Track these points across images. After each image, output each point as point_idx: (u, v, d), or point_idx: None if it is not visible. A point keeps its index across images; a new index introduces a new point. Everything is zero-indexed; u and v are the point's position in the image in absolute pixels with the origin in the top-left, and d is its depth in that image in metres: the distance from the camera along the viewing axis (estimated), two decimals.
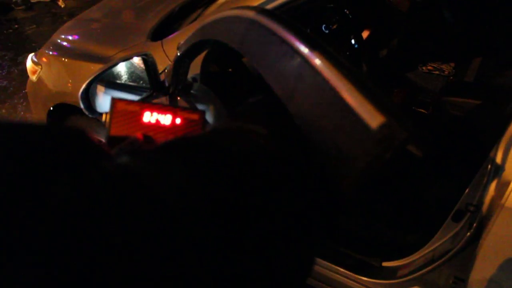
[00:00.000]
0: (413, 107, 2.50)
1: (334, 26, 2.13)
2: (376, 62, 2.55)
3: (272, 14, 0.73)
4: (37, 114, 2.73)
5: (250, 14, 0.77)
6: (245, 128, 0.53)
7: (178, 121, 0.80)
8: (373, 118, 0.46)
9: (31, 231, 0.24)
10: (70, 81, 2.35)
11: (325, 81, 0.53)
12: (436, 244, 1.53)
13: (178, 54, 1.33)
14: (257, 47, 0.72)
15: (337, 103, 0.50)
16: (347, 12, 2.28)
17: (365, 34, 2.45)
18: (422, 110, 2.47)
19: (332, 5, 2.17)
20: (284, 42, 0.63)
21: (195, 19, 2.17)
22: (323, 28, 2.08)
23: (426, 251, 1.57)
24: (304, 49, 0.59)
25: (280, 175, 0.47)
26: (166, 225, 0.31)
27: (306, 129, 0.55)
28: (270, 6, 1.58)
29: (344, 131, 0.50)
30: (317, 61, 0.56)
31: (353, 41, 2.23)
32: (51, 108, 2.50)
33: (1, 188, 0.25)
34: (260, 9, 0.77)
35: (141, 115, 0.79)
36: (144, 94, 1.49)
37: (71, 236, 0.25)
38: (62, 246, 0.25)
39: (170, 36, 1.94)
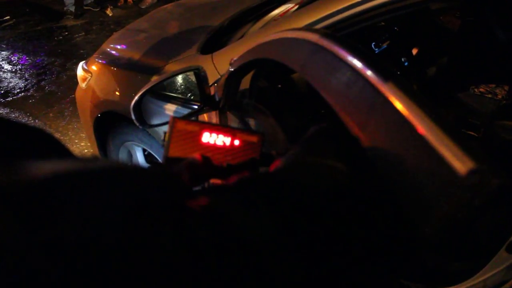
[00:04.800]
0: (463, 130, 2.43)
1: (384, 44, 2.10)
2: (425, 81, 2.49)
3: (337, 38, 0.71)
4: (84, 120, 2.79)
5: (313, 37, 0.75)
6: (323, 164, 0.51)
7: (236, 142, 0.79)
8: (461, 162, 0.43)
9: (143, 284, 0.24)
10: (118, 90, 2.40)
11: (402, 116, 0.51)
12: (488, 275, 1.46)
13: (231, 69, 1.33)
14: (322, 72, 0.71)
15: (417, 142, 0.48)
16: (397, 30, 2.25)
17: (414, 52, 2.41)
18: (472, 133, 2.40)
19: (382, 23, 2.14)
20: (354, 70, 0.61)
21: (244, 35, 2.18)
22: (372, 46, 2.06)
23: (476, 281, 1.51)
24: (377, 79, 0.57)
25: (359, 213, 0.46)
26: (256, 265, 0.31)
27: (381, 165, 0.53)
28: (321, 26, 1.57)
29: (425, 172, 0.47)
30: (392, 93, 0.54)
31: (403, 59, 2.19)
32: (98, 115, 2.56)
33: (113, 245, 0.25)
34: (323, 32, 0.75)
35: (200, 135, 0.79)
36: (194, 108, 1.50)
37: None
38: None
39: (220, 50, 1.95)
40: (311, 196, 0.42)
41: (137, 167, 0.33)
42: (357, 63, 0.59)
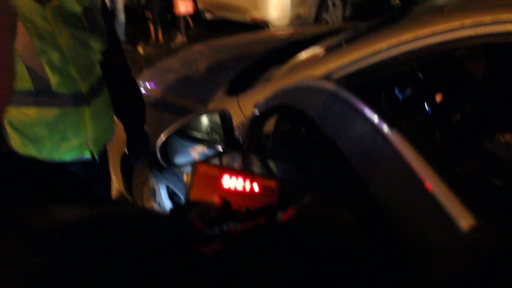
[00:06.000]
0: (487, 179, 2.39)
1: (408, 91, 2.12)
2: (449, 128, 2.49)
3: (353, 88, 0.74)
4: (111, 156, 2.86)
5: (330, 86, 0.78)
6: (332, 214, 0.54)
7: (256, 188, 0.82)
8: (463, 218, 0.44)
9: None
10: (146, 127, 2.46)
11: (410, 169, 0.53)
12: None
13: (255, 113, 1.37)
14: (337, 120, 0.73)
15: (423, 194, 0.49)
16: (421, 76, 2.27)
17: (438, 98, 2.41)
18: (498, 182, 2.36)
19: (406, 70, 2.17)
20: (367, 120, 0.64)
21: (270, 77, 2.23)
22: (396, 92, 2.08)
23: None
24: (388, 131, 0.59)
25: (363, 261, 0.47)
26: None
27: (389, 215, 0.54)
28: (346, 71, 1.60)
29: (430, 224, 0.48)
30: (401, 146, 0.56)
31: (426, 106, 2.20)
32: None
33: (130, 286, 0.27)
34: (340, 82, 0.78)
35: (220, 179, 0.82)
36: (218, 150, 1.53)
37: None
38: None
39: (246, 93, 2.00)
40: (318, 246, 0.45)
41: (157, 214, 0.36)
42: (369, 114, 0.61)
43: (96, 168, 1.76)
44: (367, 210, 0.57)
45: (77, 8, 1.46)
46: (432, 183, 0.49)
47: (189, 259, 0.32)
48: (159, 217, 0.36)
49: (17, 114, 1.44)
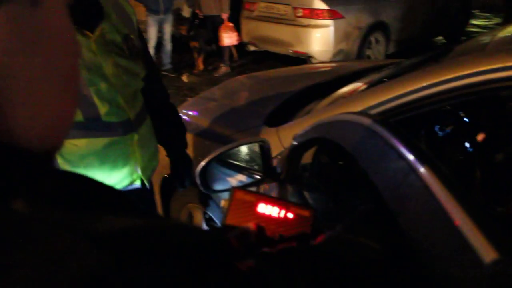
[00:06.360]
0: None
1: (448, 128, 2.11)
2: (492, 167, 2.44)
3: (389, 125, 0.76)
4: (155, 179, 2.94)
5: (367, 121, 0.81)
6: (359, 242, 0.56)
7: (290, 216, 0.85)
8: (486, 252, 0.46)
9: None
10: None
11: (439, 206, 0.54)
12: None
13: (294, 143, 1.40)
14: (371, 155, 0.76)
15: (450, 230, 0.51)
16: (462, 115, 2.25)
17: (480, 137, 2.38)
18: None
19: (448, 108, 2.16)
20: (401, 158, 0.66)
21: (310, 111, 2.27)
22: (436, 130, 2.07)
23: None
24: (421, 169, 0.61)
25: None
26: None
27: (414, 246, 0.56)
28: (386, 107, 1.62)
29: (454, 258, 0.50)
30: (433, 184, 0.58)
31: (467, 145, 2.18)
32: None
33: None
34: (377, 119, 0.81)
35: (256, 205, 0.86)
36: (256, 178, 1.57)
37: None
38: None
39: (286, 125, 2.04)
40: (343, 269, 0.47)
41: (197, 228, 0.40)
42: (402, 150, 0.64)
43: (145, 195, 1.77)
44: (395, 242, 0.59)
45: (117, 37, 1.49)
46: (458, 218, 0.51)
47: (226, 271, 0.35)
48: (201, 231, 0.39)
49: (67, 145, 1.45)
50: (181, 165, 2.01)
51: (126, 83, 1.52)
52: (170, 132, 1.94)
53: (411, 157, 0.64)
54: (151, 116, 1.76)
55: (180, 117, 2.02)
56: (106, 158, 1.52)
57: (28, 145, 0.36)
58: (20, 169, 0.34)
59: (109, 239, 0.30)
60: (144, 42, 1.71)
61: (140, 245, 0.32)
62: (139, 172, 1.64)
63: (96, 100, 1.43)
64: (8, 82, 0.33)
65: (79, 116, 1.40)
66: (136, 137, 1.58)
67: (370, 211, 0.69)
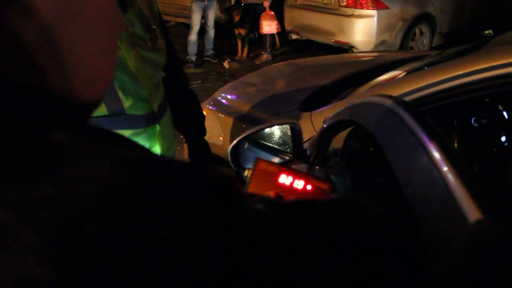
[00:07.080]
0: None
1: (484, 121, 2.08)
2: None
3: (409, 106, 0.79)
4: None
5: (388, 102, 0.84)
6: (361, 202, 0.61)
7: (309, 187, 0.89)
8: (471, 211, 0.50)
9: (193, 247, 0.34)
10: (222, 135, 2.61)
11: (441, 177, 0.59)
12: None
13: (324, 126, 1.44)
14: (388, 133, 0.79)
15: (446, 198, 0.55)
16: (501, 108, 2.21)
17: None
18: None
19: (486, 99, 2.13)
20: (412, 134, 0.70)
21: (345, 97, 2.29)
22: (472, 121, 2.05)
23: None
24: (428, 144, 0.65)
25: (385, 247, 0.53)
26: (280, 261, 0.40)
27: (414, 213, 0.61)
28: (423, 93, 1.63)
29: (445, 218, 0.54)
30: (437, 158, 0.62)
31: (503, 138, 2.14)
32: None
33: (178, 211, 0.35)
34: (398, 100, 0.84)
35: (277, 176, 0.90)
36: (286, 159, 1.62)
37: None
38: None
39: (319, 109, 2.07)
40: (344, 222, 0.51)
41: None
42: (417, 130, 0.67)
43: None
44: (396, 207, 0.63)
45: (141, 29, 1.48)
46: (456, 187, 0.55)
47: (229, 207, 0.38)
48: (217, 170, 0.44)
49: None
50: (199, 151, 2.02)
51: (149, 75, 1.53)
52: (189, 119, 1.94)
53: (423, 133, 0.67)
54: (170, 103, 1.77)
55: (199, 104, 2.02)
56: None
57: (72, 95, 0.42)
58: (64, 111, 0.40)
59: (139, 163, 0.36)
60: (165, 28, 1.71)
61: (168, 167, 0.38)
62: None
63: (120, 94, 1.44)
64: (56, 43, 0.39)
65: (103, 110, 1.42)
66: (158, 128, 1.60)
67: (382, 182, 0.73)
